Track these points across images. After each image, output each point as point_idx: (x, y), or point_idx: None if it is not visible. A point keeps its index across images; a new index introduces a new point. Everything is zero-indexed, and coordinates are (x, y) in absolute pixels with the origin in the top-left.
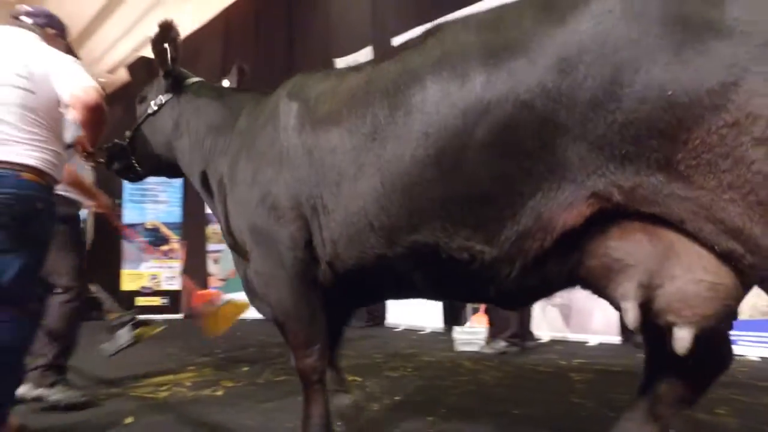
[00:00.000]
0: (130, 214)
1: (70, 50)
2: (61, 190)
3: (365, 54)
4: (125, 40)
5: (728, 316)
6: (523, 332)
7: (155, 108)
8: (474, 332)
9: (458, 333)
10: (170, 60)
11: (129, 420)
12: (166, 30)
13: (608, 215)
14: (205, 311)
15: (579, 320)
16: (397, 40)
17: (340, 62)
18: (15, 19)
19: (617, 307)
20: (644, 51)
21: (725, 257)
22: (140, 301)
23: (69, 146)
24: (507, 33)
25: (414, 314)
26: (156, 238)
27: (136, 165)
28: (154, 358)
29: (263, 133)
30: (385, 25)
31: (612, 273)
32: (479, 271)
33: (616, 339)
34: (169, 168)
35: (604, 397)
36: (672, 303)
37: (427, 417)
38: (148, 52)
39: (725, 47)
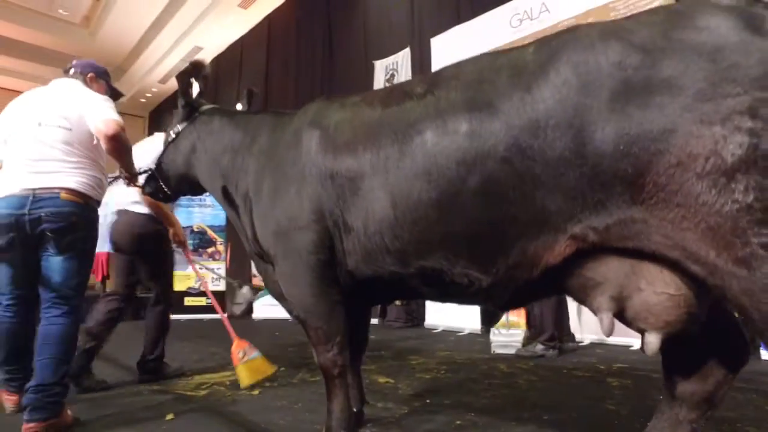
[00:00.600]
0: (179, 217)
1: (109, 86)
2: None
3: (404, 55)
4: (175, 52)
5: (693, 321)
6: (561, 335)
7: (173, 136)
8: (511, 334)
9: (495, 335)
10: (195, 93)
11: (170, 416)
12: (198, 68)
13: (586, 251)
14: (236, 359)
15: (620, 323)
16: (435, 41)
17: (379, 65)
18: (65, 72)
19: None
20: (597, 113)
21: (692, 278)
22: (188, 301)
23: (116, 177)
24: (486, 94)
25: (452, 316)
26: (202, 241)
27: (164, 187)
28: (198, 356)
29: (287, 155)
30: (423, 26)
31: (588, 289)
32: (478, 291)
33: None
34: (192, 186)
35: (641, 405)
36: (639, 312)
37: (455, 420)
38: None
39: (663, 101)
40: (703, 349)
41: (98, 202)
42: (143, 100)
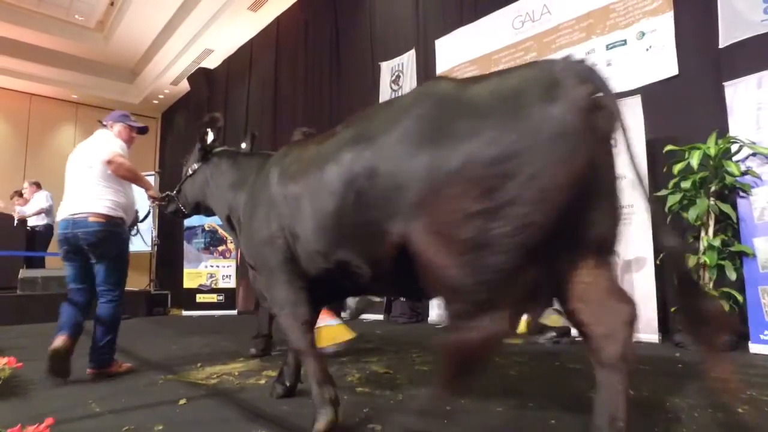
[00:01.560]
0: (192, 218)
1: (127, 125)
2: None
3: (409, 57)
4: (187, 54)
5: None
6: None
7: (191, 172)
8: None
9: None
10: (210, 139)
11: (183, 401)
12: (214, 121)
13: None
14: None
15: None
16: (439, 43)
17: (385, 66)
18: (100, 123)
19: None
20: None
21: None
22: (199, 297)
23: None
24: (366, 131)
25: None
26: (213, 239)
27: (182, 208)
28: (209, 350)
29: (260, 187)
30: (427, 28)
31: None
32: (371, 279)
33: (654, 338)
34: (205, 210)
35: None
36: None
37: (446, 407)
38: (207, 63)
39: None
40: (597, 317)
41: (122, 219)
42: (156, 102)
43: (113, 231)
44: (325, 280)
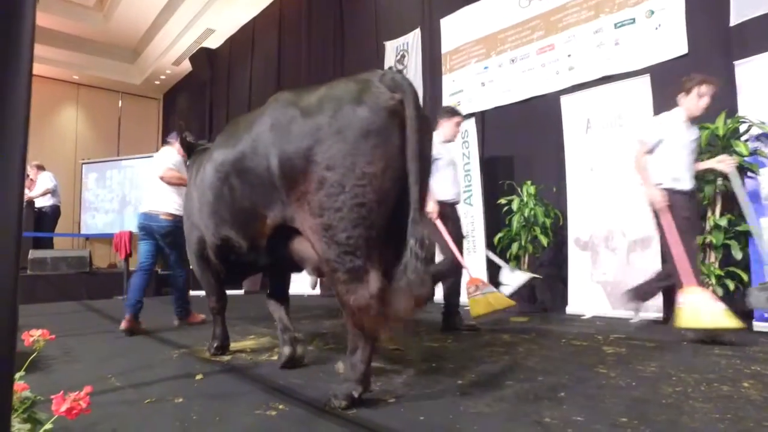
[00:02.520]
0: None
1: (181, 138)
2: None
3: (414, 36)
4: (188, 34)
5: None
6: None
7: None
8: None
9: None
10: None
11: (199, 377)
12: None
13: (288, 229)
14: (471, 294)
15: (620, 297)
16: (444, 22)
17: (390, 45)
18: (166, 142)
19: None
20: (273, 147)
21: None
22: None
23: None
24: (238, 132)
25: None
26: None
27: None
28: None
29: (189, 184)
30: (432, 7)
31: (304, 262)
32: (249, 255)
33: (659, 316)
34: None
35: (630, 369)
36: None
37: (457, 381)
38: (208, 43)
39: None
40: None
41: (182, 217)
42: (157, 83)
43: (178, 226)
44: (227, 255)
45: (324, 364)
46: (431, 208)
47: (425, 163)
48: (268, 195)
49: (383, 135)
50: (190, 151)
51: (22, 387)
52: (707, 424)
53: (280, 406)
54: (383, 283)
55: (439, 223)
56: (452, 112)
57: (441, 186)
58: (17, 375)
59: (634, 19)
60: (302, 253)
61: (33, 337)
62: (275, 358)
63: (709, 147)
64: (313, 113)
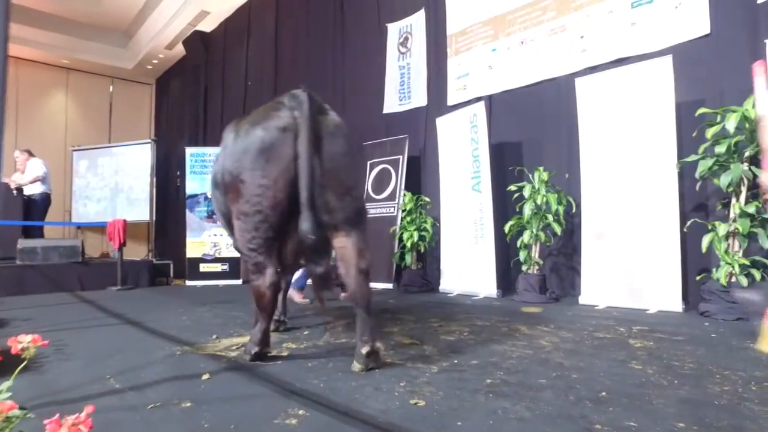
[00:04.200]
0: (191, 185)
1: None
2: None
3: (418, 17)
4: (182, 16)
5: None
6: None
7: None
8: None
9: None
10: None
11: (206, 376)
12: None
13: None
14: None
15: (637, 287)
16: (450, 2)
17: (392, 27)
18: None
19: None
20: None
21: None
22: (203, 267)
23: None
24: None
25: (467, 281)
26: None
27: None
28: (221, 320)
29: None
30: None
31: None
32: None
33: (677, 307)
34: None
35: (667, 365)
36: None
37: (486, 379)
38: (203, 26)
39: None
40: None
41: None
42: (150, 67)
43: None
44: None
45: (344, 362)
46: None
47: (323, 168)
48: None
49: (275, 151)
50: None
51: (8, 407)
52: None
53: (300, 412)
54: (276, 277)
55: None
56: None
57: None
58: (4, 385)
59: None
60: None
61: (22, 344)
62: (285, 354)
63: (736, 131)
64: (240, 136)
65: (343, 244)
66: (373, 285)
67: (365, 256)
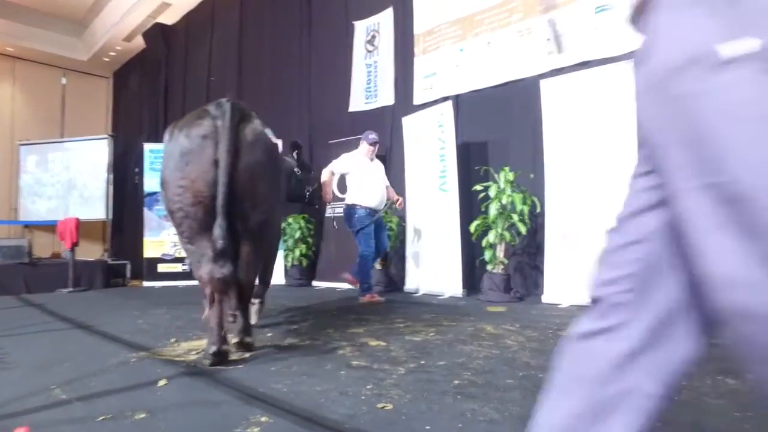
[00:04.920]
0: (149, 183)
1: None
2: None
3: (386, 15)
4: (141, 8)
5: None
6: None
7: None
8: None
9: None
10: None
11: (162, 382)
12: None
13: None
14: None
15: None
16: (418, 1)
17: (360, 25)
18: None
19: None
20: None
21: None
22: (161, 267)
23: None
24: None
25: (433, 280)
26: None
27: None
28: (180, 323)
29: None
30: None
31: None
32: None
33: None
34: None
35: None
36: None
37: (453, 380)
38: (164, 19)
39: None
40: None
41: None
42: (107, 59)
43: (350, 212)
44: None
45: (309, 365)
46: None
47: (239, 178)
48: None
49: (195, 155)
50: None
51: None
52: (731, 424)
53: (263, 419)
54: (211, 268)
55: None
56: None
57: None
58: None
59: (612, 6)
60: None
61: None
62: (247, 355)
63: None
64: (170, 140)
65: (243, 254)
66: (337, 285)
67: (251, 270)
